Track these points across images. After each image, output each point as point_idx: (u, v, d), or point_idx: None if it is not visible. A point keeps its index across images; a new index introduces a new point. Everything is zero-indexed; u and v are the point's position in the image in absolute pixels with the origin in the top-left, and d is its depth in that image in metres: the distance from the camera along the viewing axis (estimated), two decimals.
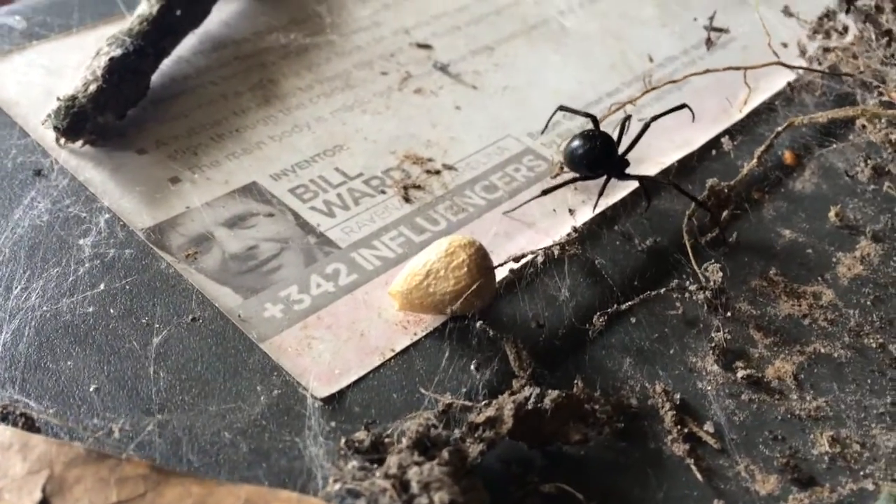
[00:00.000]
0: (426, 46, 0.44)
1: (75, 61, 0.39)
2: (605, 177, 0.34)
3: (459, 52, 0.44)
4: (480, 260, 0.28)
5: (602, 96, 0.42)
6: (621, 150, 0.34)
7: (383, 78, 0.42)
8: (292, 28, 0.44)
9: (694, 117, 0.36)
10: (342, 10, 0.46)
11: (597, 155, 0.33)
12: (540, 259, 0.31)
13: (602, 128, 0.35)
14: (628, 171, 0.34)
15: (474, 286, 0.28)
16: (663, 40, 0.46)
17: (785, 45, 0.42)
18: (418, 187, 0.35)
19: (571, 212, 0.34)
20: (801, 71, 0.41)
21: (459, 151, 0.37)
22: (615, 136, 0.35)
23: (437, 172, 0.36)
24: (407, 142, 0.38)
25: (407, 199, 0.35)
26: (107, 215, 0.32)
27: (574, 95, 0.42)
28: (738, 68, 0.38)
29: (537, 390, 0.25)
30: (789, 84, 0.42)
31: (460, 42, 0.45)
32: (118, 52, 0.36)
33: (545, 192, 0.33)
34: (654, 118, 0.34)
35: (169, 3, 0.39)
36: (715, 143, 0.38)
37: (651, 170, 0.37)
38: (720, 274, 0.31)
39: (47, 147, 0.35)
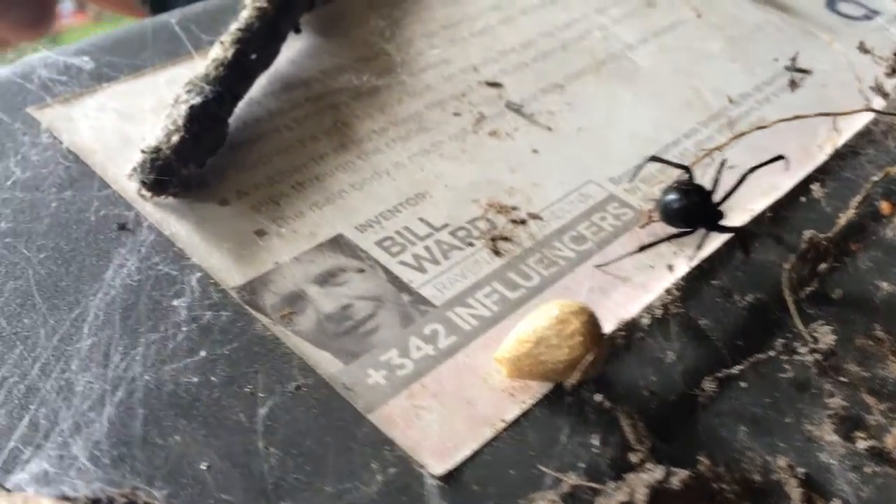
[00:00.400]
0: (496, 84, 0.43)
1: (149, 105, 0.38)
2: (702, 230, 0.33)
3: (529, 90, 0.43)
4: (592, 328, 0.27)
5: (679, 137, 0.41)
6: (715, 199, 0.34)
7: (457, 119, 0.41)
8: (361, 67, 0.43)
9: (788, 166, 0.35)
10: (410, 48, 0.45)
11: (694, 210, 0.32)
12: (646, 321, 0.30)
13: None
14: (722, 222, 0.34)
15: (590, 356, 0.27)
16: (735, 76, 0.45)
17: (873, 89, 0.41)
18: (506, 238, 0.34)
19: (671, 268, 0.33)
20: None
21: (542, 199, 0.37)
22: (708, 185, 0.34)
23: (523, 222, 0.35)
24: (488, 188, 0.37)
25: (496, 252, 0.34)
26: (198, 274, 0.31)
27: (651, 137, 0.41)
28: (827, 114, 0.37)
29: (664, 469, 0.24)
30: (870, 125, 0.41)
31: (529, 79, 0.44)
32: (197, 99, 0.35)
33: (642, 249, 0.32)
34: (752, 170, 0.34)
35: (244, 47, 0.38)
36: (803, 189, 0.37)
37: (741, 217, 0.36)
38: (832, 336, 0.30)
39: (129, 199, 0.34)
